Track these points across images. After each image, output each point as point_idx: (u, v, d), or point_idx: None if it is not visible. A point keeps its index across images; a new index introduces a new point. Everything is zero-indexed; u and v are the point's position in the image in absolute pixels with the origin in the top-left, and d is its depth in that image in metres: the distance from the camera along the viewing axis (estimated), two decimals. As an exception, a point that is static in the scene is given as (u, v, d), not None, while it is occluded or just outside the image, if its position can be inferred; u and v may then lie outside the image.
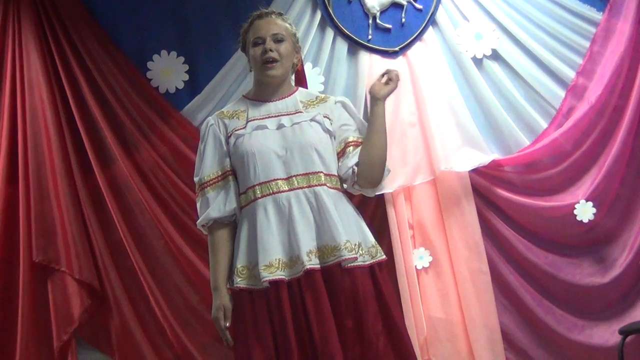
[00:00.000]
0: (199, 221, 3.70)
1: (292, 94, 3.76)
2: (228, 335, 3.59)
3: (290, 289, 3.47)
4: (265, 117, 3.68)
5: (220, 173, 3.66)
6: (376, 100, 3.65)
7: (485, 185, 4.99)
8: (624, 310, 4.98)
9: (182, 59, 5.02)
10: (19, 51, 4.94)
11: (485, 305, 4.86)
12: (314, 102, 3.77)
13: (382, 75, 3.68)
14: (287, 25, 3.78)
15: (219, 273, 3.63)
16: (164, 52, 5.00)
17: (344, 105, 3.81)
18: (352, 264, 3.48)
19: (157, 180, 4.94)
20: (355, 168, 3.62)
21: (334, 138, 3.69)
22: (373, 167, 3.63)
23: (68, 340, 4.79)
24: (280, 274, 3.45)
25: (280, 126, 3.63)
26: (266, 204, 3.53)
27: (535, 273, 4.98)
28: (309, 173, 3.56)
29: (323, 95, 3.86)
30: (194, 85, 5.03)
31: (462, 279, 4.89)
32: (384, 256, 3.65)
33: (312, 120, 3.65)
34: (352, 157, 3.65)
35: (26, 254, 4.78)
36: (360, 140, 3.68)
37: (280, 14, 3.81)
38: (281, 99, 3.73)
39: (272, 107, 3.71)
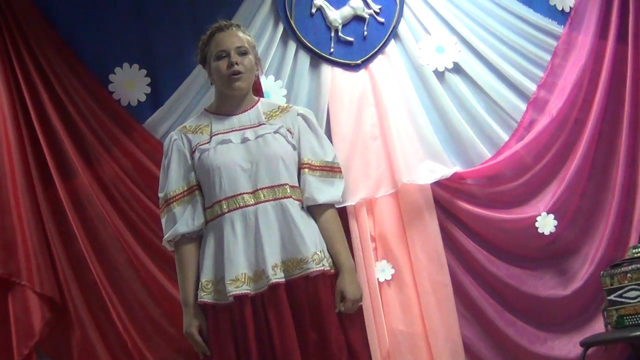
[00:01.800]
0: (166, 236, 3.69)
1: (254, 106, 3.78)
2: (205, 347, 3.57)
3: (254, 304, 3.49)
4: (229, 131, 3.69)
5: (186, 188, 3.66)
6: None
7: (447, 197, 4.98)
8: (586, 323, 5.00)
9: (144, 71, 4.99)
10: (-21, 63, 4.91)
11: (447, 317, 4.85)
12: (277, 113, 3.80)
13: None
14: (248, 38, 3.81)
15: (188, 288, 3.64)
16: (125, 65, 4.98)
17: (305, 119, 3.83)
18: (316, 274, 3.52)
19: (119, 193, 4.90)
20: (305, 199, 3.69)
21: (296, 150, 3.71)
22: None
23: (29, 354, 4.73)
24: (245, 289, 3.46)
25: (244, 140, 3.65)
26: (233, 219, 3.55)
27: (497, 285, 4.98)
28: (275, 185, 3.59)
29: (285, 105, 3.90)
30: (156, 98, 5.00)
31: (424, 292, 4.88)
32: None
33: (275, 132, 3.67)
34: (305, 185, 3.71)
35: (-14, 268, 4.75)
36: (313, 163, 3.72)
37: (238, 26, 3.82)
38: (244, 111, 3.76)
39: (235, 120, 3.72)
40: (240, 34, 3.79)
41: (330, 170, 3.79)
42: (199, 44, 3.88)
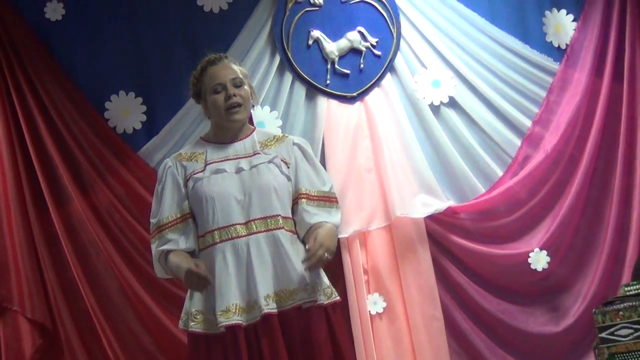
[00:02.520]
0: (156, 250, 3.64)
1: (249, 135, 3.75)
2: (208, 275, 3.43)
3: (247, 334, 3.46)
4: (224, 160, 3.66)
5: (179, 215, 3.63)
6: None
7: (440, 231, 5.00)
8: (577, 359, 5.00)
9: (140, 99, 5.01)
10: (-25, 88, 4.92)
11: (438, 351, 4.85)
12: (272, 142, 3.76)
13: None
14: (241, 68, 3.78)
15: (182, 264, 3.52)
16: (122, 93, 5.00)
17: (301, 149, 3.79)
18: (308, 305, 3.49)
19: (112, 221, 4.91)
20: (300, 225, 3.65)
21: (290, 181, 3.70)
22: None
23: (19, 380, 4.73)
24: (237, 319, 3.43)
25: (239, 170, 3.62)
26: (225, 249, 3.52)
27: (488, 320, 4.99)
28: (267, 217, 3.56)
29: (281, 135, 3.86)
30: (152, 126, 5.02)
31: (415, 325, 4.89)
32: (339, 297, 3.66)
33: (270, 162, 3.65)
34: (301, 213, 3.65)
35: (-22, 292, 4.74)
36: (311, 193, 3.69)
37: (227, 58, 3.81)
38: (239, 140, 3.73)
39: (230, 149, 3.69)
40: (233, 66, 3.77)
41: (327, 200, 3.77)
42: (190, 80, 3.86)
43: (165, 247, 3.59)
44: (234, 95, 3.63)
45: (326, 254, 3.46)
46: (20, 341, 4.75)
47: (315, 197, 3.68)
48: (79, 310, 4.88)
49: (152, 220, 3.69)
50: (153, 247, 3.67)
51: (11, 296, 4.77)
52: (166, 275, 3.69)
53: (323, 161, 4.93)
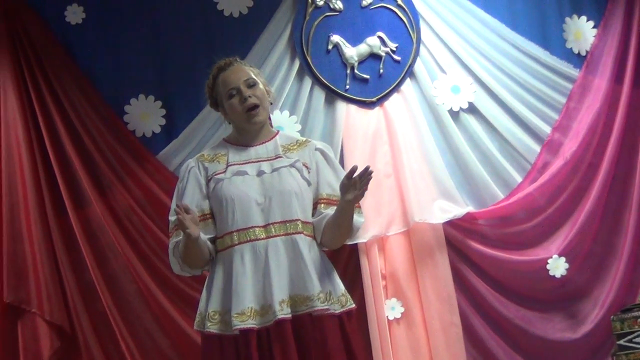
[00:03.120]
0: (172, 241, 3.63)
1: (272, 138, 3.76)
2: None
3: (260, 338, 3.46)
4: (246, 163, 3.67)
5: (199, 214, 3.63)
6: (346, 201, 3.53)
7: (458, 237, 4.99)
8: (595, 367, 4.99)
9: (159, 103, 5.03)
10: (-4, 91, 4.95)
11: (456, 357, 4.84)
12: (294, 147, 3.76)
13: (354, 175, 3.48)
14: (252, 68, 3.80)
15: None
16: (141, 96, 5.01)
17: (323, 154, 3.79)
18: (322, 313, 3.48)
19: (130, 224, 4.92)
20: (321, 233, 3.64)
21: (311, 186, 3.69)
22: (333, 243, 3.69)
23: (37, 382, 4.74)
24: (251, 323, 3.44)
25: (260, 173, 3.62)
26: (243, 251, 3.52)
27: (506, 327, 4.97)
28: (287, 221, 3.56)
29: (303, 139, 3.86)
30: (171, 130, 5.03)
31: (433, 331, 4.87)
32: (354, 305, 3.65)
33: (291, 166, 3.65)
34: (321, 218, 3.65)
35: (-3, 294, 4.75)
36: (332, 198, 3.68)
37: (237, 60, 3.81)
38: (262, 143, 3.73)
39: (252, 152, 3.70)
40: (244, 67, 3.78)
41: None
42: (205, 89, 3.88)
43: (180, 238, 3.58)
44: (250, 97, 3.64)
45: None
46: (38, 343, 4.77)
47: (335, 202, 3.67)
48: (97, 313, 4.90)
49: (171, 218, 3.68)
50: (171, 242, 3.67)
51: (30, 298, 4.78)
52: (182, 270, 3.67)
53: (342, 166, 4.87)
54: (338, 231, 3.62)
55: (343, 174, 3.72)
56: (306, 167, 3.69)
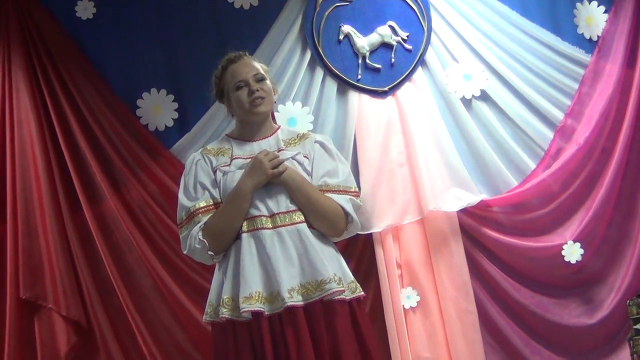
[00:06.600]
0: (193, 229, 3.69)
1: (274, 133, 3.86)
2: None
3: (271, 322, 3.53)
4: (249, 157, 3.76)
5: (212, 202, 3.70)
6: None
7: (473, 225, 4.99)
8: (611, 352, 4.99)
9: (171, 96, 5.02)
10: (9, 88, 4.93)
11: (472, 345, 4.84)
12: (295, 140, 3.89)
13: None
14: (261, 64, 3.91)
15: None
16: (153, 90, 5.01)
17: (323, 146, 3.90)
18: (333, 297, 3.54)
19: (145, 218, 4.92)
20: None
21: (310, 176, 3.74)
22: (320, 227, 3.74)
23: (54, 378, 4.75)
24: (259, 306, 3.50)
25: None
26: (251, 238, 3.62)
27: (522, 313, 4.97)
28: (291, 211, 3.63)
29: (303, 133, 3.98)
30: (184, 123, 5.03)
31: (449, 319, 4.87)
32: (363, 293, 3.75)
33: (293, 158, 3.73)
34: None
35: (13, 290, 4.73)
36: (322, 188, 3.77)
37: (246, 54, 3.88)
38: (264, 138, 3.85)
39: (255, 146, 3.80)
40: (254, 62, 3.88)
41: (345, 192, 3.82)
42: (213, 80, 3.94)
43: (201, 223, 3.65)
44: (257, 90, 3.71)
45: (279, 169, 3.65)
46: (55, 339, 4.77)
47: (325, 190, 3.73)
48: (113, 308, 4.90)
49: (181, 213, 3.73)
50: (185, 233, 3.71)
51: (46, 294, 4.78)
52: (202, 254, 3.71)
53: (355, 156, 4.95)
54: (307, 214, 3.69)
55: (343, 164, 3.82)
56: (307, 158, 3.80)
